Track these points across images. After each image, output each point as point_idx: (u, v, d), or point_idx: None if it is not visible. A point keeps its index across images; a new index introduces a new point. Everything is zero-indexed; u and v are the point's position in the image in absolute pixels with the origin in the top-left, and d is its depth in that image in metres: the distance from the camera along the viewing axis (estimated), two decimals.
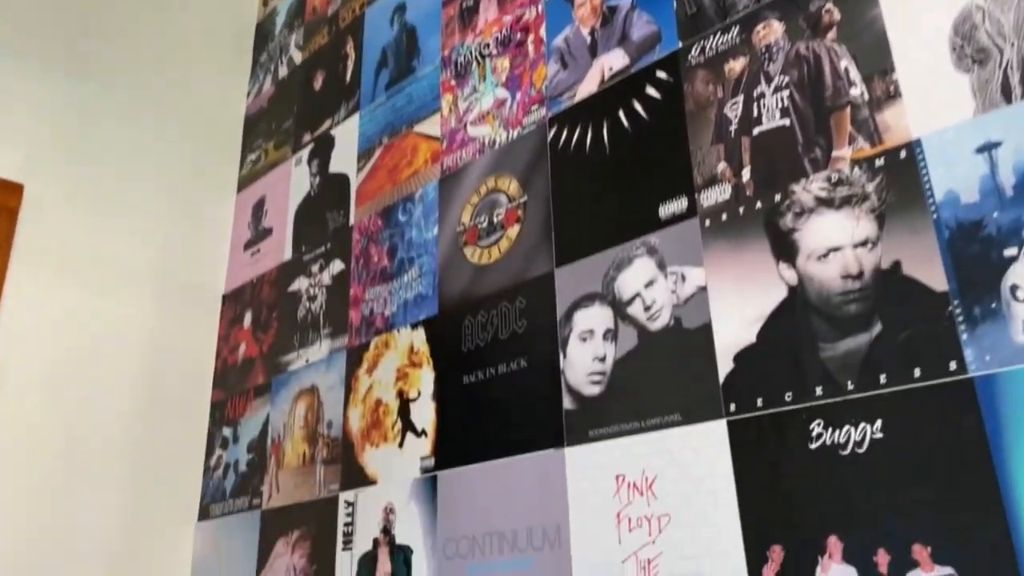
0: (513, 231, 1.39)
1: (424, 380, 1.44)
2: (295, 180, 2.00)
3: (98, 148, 1.95)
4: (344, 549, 1.47)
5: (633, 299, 1.16)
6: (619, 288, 1.19)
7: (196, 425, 1.93)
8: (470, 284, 1.43)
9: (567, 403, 1.20)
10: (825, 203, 1.00)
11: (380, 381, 1.53)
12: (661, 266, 1.14)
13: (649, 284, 1.15)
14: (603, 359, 1.17)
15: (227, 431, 1.89)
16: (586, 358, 1.19)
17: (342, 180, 1.84)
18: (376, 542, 1.41)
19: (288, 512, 1.62)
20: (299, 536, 1.57)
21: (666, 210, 1.17)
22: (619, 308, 1.18)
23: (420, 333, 1.49)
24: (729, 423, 1.00)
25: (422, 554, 1.32)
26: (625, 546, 1.05)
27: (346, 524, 1.48)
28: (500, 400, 1.30)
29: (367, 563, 1.41)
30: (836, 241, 0.97)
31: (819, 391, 0.93)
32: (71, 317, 1.78)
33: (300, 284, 1.84)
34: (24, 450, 1.64)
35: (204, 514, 1.85)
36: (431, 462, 1.37)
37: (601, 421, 1.14)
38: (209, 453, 1.92)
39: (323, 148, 1.94)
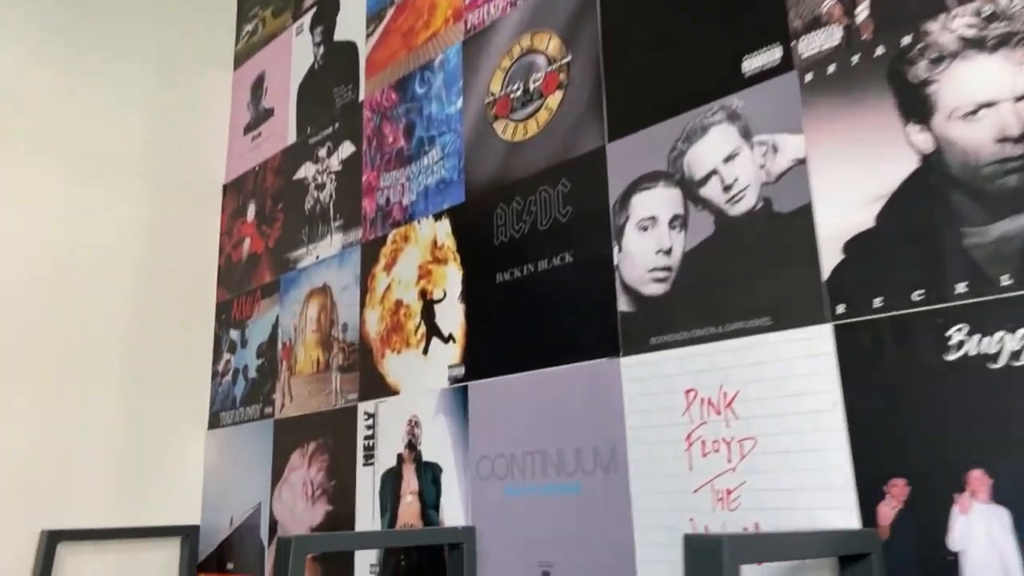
0: (554, 100, 1.16)
1: (450, 279, 1.25)
2: (297, 52, 1.75)
3: (82, 22, 1.71)
4: (365, 464, 1.32)
5: (708, 177, 0.95)
6: (690, 164, 0.97)
7: (201, 327, 1.77)
8: (502, 165, 1.21)
9: (623, 304, 1.00)
10: (973, 44, 0.76)
11: (400, 280, 1.35)
12: (745, 135, 0.92)
13: (729, 158, 0.93)
14: (668, 252, 0.97)
15: (234, 334, 1.73)
16: (647, 251, 0.99)
17: (349, 49, 1.60)
18: (400, 458, 1.26)
19: (303, 423, 1.47)
20: (315, 449, 1.43)
21: (752, 64, 0.93)
22: (690, 189, 0.96)
23: (444, 225, 1.29)
24: (837, 328, 0.80)
25: (453, 473, 1.17)
26: (697, 473, 0.88)
27: (367, 438, 1.33)
28: (540, 301, 1.11)
29: (391, 480, 1.27)
30: (989, 94, 0.74)
31: (962, 288, 0.73)
32: (59, 209, 1.59)
33: (307, 171, 1.63)
34: (21, 358, 1.49)
35: (214, 422, 1.71)
36: (460, 371, 1.20)
37: (666, 326, 0.95)
38: (216, 358, 1.77)
39: (327, 12, 1.68)
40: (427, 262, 1.30)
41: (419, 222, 1.34)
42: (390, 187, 1.41)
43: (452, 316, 1.23)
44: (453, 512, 1.15)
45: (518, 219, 1.17)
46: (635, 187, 1.02)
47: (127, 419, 1.61)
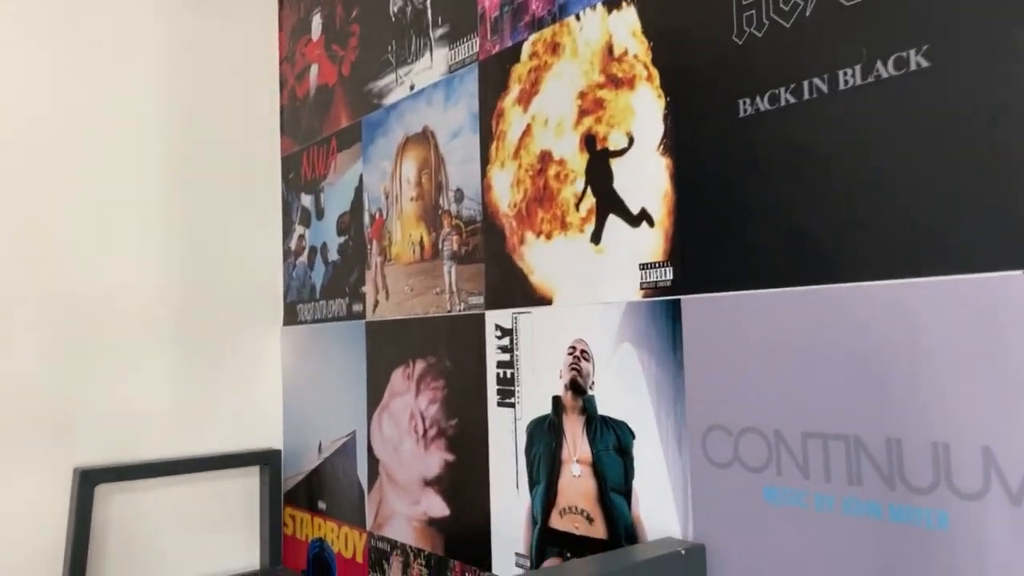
0: None
1: (641, 114, 0.73)
2: None
3: None
4: (502, 404, 0.88)
5: None
6: None
7: (265, 191, 1.33)
8: None
9: None
10: None
11: (547, 118, 0.83)
12: None
13: None
14: None
15: (306, 200, 1.28)
16: None
17: None
18: (559, 404, 0.80)
19: (405, 330, 1.03)
20: (425, 370, 0.99)
21: None
22: None
23: (627, 17, 0.75)
24: None
25: (653, 442, 0.70)
26: None
27: (501, 364, 0.88)
28: (843, 151, 0.58)
29: (545, 435, 0.82)
30: None
31: None
32: (66, 28, 1.13)
33: None
34: (60, 251, 1.09)
35: (290, 316, 1.30)
36: (666, 274, 0.70)
37: None
38: (287, 232, 1.33)
39: None
40: (595, 86, 0.77)
41: (578, 17, 0.80)
42: None
43: (645, 179, 0.72)
44: (656, 506, 0.70)
45: None
46: None
47: (187, 314, 1.22)
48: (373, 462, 1.08)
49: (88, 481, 1.07)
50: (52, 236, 1.11)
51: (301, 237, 1.29)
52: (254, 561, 1.26)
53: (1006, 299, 0.49)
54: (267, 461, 1.25)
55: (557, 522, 0.80)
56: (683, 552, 0.62)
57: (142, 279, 1.19)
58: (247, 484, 1.27)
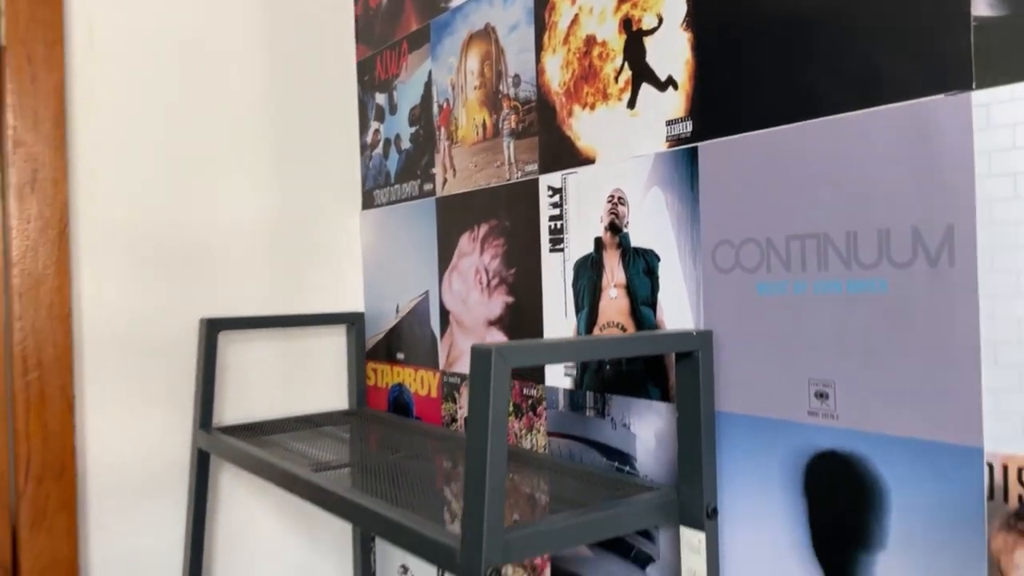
0: None
1: None
2: None
3: None
4: (552, 250, 1.08)
5: None
6: None
7: (342, 94, 1.52)
8: None
9: (979, 8, 0.63)
10: None
11: (591, 7, 1.00)
12: None
13: None
14: None
15: (380, 98, 1.47)
16: None
17: None
18: (600, 243, 1.00)
19: (470, 201, 1.23)
20: (488, 232, 1.19)
21: None
22: None
23: None
24: None
25: (674, 262, 0.90)
26: None
27: (552, 218, 1.07)
28: (819, 9, 0.74)
29: (588, 270, 1.02)
30: None
31: None
32: None
33: None
34: (163, 151, 1.30)
35: (368, 201, 1.51)
36: (686, 127, 0.88)
37: None
38: (363, 128, 1.53)
39: None
40: None
41: None
42: None
43: (671, 51, 0.89)
44: (675, 311, 0.90)
45: None
46: None
47: (280, 206, 1.43)
48: (444, 314, 1.30)
49: (213, 328, 1.31)
50: (168, 142, 1.33)
51: (376, 131, 1.49)
52: (343, 404, 1.50)
53: (941, 116, 0.66)
54: (352, 321, 1.48)
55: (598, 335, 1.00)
56: (695, 333, 0.82)
57: (243, 174, 1.40)
58: (336, 342, 1.50)
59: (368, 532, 1.14)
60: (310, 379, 1.47)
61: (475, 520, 0.68)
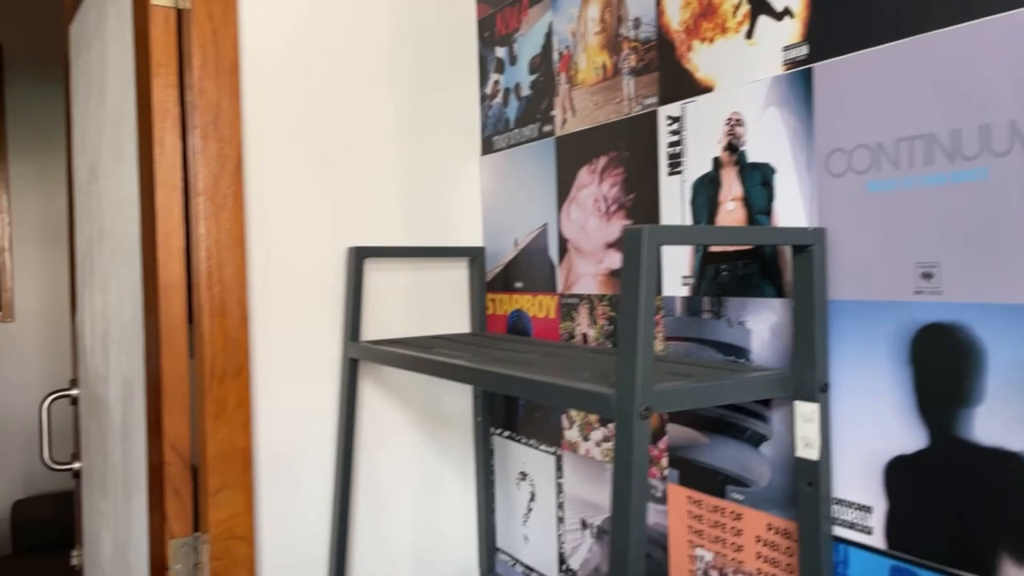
0: None
1: None
2: None
3: None
4: (671, 173, 1.20)
5: None
6: None
7: (463, 49, 1.67)
8: None
9: None
10: None
11: None
12: None
13: None
14: None
15: (500, 52, 1.61)
16: None
17: None
18: (718, 162, 1.12)
19: (590, 136, 1.36)
20: (607, 163, 1.33)
21: None
22: None
23: None
24: None
25: (789, 172, 1.01)
26: None
27: (671, 144, 1.20)
28: None
29: (706, 187, 1.14)
30: None
31: None
32: None
33: None
34: (309, 86, 1.49)
35: (487, 147, 1.67)
36: (802, 51, 1.00)
37: None
38: (483, 80, 1.68)
39: None
40: None
41: None
42: None
43: None
44: (790, 216, 1.02)
45: None
46: None
47: (407, 152, 1.60)
48: (562, 242, 1.44)
49: (360, 254, 1.49)
50: (307, 97, 1.51)
51: (496, 83, 1.64)
52: (466, 329, 1.67)
53: None
54: (474, 255, 1.64)
55: (715, 247, 1.13)
56: (809, 229, 0.94)
57: (379, 122, 1.57)
58: (458, 274, 1.66)
59: (526, 398, 1.31)
60: (436, 306, 1.64)
61: (629, 364, 0.82)
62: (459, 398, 1.67)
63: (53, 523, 4.28)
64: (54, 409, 5.07)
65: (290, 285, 1.47)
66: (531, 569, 1.56)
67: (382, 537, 1.57)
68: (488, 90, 1.66)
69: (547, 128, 1.48)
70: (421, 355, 1.22)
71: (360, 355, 1.43)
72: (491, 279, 1.66)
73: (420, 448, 1.62)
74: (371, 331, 1.57)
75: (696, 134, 1.16)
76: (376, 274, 1.57)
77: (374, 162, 1.57)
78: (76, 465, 2.19)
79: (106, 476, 1.92)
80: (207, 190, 1.37)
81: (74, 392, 2.22)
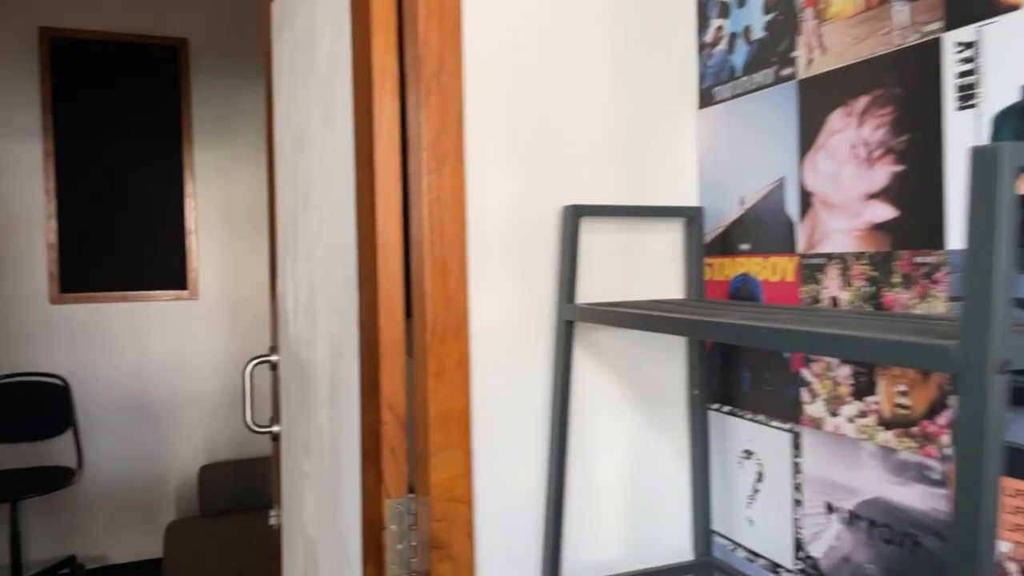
0: None
1: None
2: None
3: None
4: (961, 108, 1.04)
5: None
6: None
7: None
8: None
9: None
10: None
11: None
12: None
13: None
14: None
15: None
16: None
17: None
18: None
19: (845, 75, 1.22)
20: (869, 103, 1.18)
21: None
22: None
23: None
24: None
25: None
26: None
27: (962, 74, 1.04)
28: None
29: (1014, 119, 0.98)
30: None
31: None
32: None
33: None
34: (527, 45, 1.43)
35: (706, 99, 1.55)
36: None
37: None
38: (702, 28, 1.56)
39: None
40: None
41: None
42: None
43: None
44: None
45: None
46: None
47: (619, 107, 1.51)
48: (805, 196, 1.31)
49: (576, 213, 1.42)
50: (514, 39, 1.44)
51: (719, 28, 1.51)
52: (678, 295, 1.57)
53: None
54: (690, 215, 1.53)
55: None
56: None
57: (592, 75, 1.49)
58: (670, 236, 1.56)
59: (835, 356, 1.19)
60: (646, 270, 1.54)
61: (980, 309, 0.69)
62: (672, 369, 1.57)
63: (234, 488, 4.57)
64: (228, 379, 5.41)
65: (503, 244, 1.42)
66: (756, 555, 1.43)
67: (591, 510, 1.50)
68: (708, 38, 1.54)
69: (786, 71, 1.34)
70: (674, 314, 1.13)
71: (578, 317, 1.36)
72: (709, 241, 1.54)
73: (630, 421, 1.54)
74: (578, 295, 1.49)
75: (997, 60, 0.99)
76: (583, 236, 1.50)
77: (587, 117, 1.49)
78: (275, 428, 2.28)
79: (310, 438, 1.97)
80: (430, 145, 1.35)
81: (274, 358, 2.31)
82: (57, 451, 4.91)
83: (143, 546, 5.12)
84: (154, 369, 5.11)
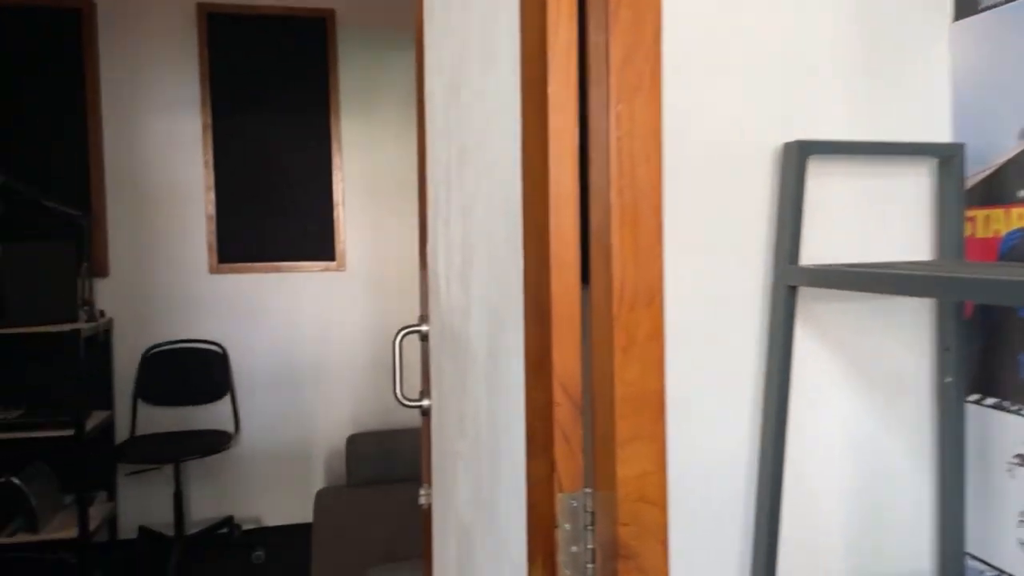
0: None
1: None
2: None
3: None
4: None
5: None
6: None
7: None
8: None
9: None
10: None
11: None
12: None
13: None
14: None
15: None
16: None
17: None
18: None
19: None
20: None
21: None
22: None
23: None
24: None
25: None
26: None
27: None
28: None
29: None
30: None
31: None
32: None
33: None
34: None
35: (965, 9, 1.20)
36: None
37: None
38: None
39: None
40: None
41: None
42: None
43: None
44: None
45: None
46: None
47: (848, 19, 1.20)
48: None
49: (803, 151, 1.13)
50: None
51: None
52: (924, 255, 1.24)
53: None
54: (946, 154, 1.20)
55: None
56: None
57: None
58: (914, 182, 1.24)
59: None
60: (882, 224, 1.23)
61: None
62: (914, 353, 1.25)
63: (380, 458, 4.58)
64: (364, 350, 5.44)
65: (705, 191, 1.16)
66: None
67: (810, 521, 1.22)
68: None
69: None
70: (951, 273, 0.83)
71: (806, 281, 1.08)
72: (971, 187, 1.20)
73: (859, 413, 1.24)
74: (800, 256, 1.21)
75: None
76: (820, 178, 1.20)
77: (807, 34, 1.19)
78: (426, 402, 2.13)
79: (464, 416, 1.79)
80: (618, 68, 1.10)
81: (424, 328, 2.16)
82: (215, 416, 5.13)
83: (295, 510, 5.27)
84: (304, 339, 5.22)
